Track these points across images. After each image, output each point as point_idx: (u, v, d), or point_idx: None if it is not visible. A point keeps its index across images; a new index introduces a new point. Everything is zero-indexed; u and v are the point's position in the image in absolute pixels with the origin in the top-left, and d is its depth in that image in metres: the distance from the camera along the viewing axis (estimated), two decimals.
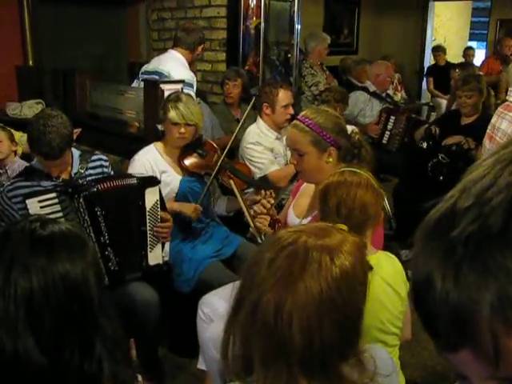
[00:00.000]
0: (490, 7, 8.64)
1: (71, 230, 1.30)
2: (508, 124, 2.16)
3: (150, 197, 2.86)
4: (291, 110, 3.93)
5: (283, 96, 3.96)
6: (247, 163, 3.89)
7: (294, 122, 2.42)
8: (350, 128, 2.44)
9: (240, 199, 2.55)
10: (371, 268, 1.73)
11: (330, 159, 2.33)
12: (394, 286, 1.88)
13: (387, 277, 1.87)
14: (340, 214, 1.78)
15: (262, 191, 3.31)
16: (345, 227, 1.71)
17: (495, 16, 8.51)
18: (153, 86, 3.77)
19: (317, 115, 2.35)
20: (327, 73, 6.57)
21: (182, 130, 3.21)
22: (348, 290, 1.16)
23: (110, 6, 6.28)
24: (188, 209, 3.22)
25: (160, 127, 3.34)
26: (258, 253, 1.19)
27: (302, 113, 2.44)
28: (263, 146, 3.93)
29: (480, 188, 0.52)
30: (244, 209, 2.54)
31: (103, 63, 6.22)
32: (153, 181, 2.91)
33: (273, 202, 2.56)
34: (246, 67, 5.66)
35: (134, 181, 2.82)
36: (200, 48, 4.42)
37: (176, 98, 3.27)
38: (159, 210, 2.91)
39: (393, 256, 2.02)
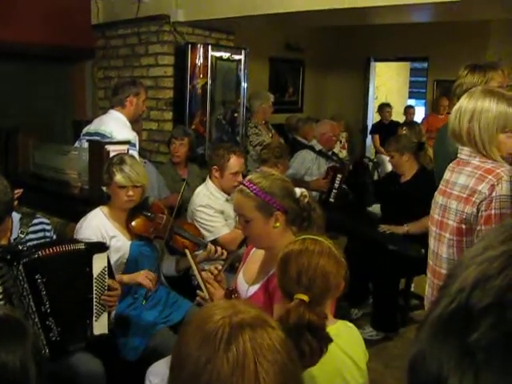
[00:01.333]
0: (427, 68, 8.98)
1: (9, 315, 1.19)
2: (467, 178, 2.27)
3: (98, 263, 2.74)
4: (240, 178, 3.85)
5: (234, 163, 3.92)
6: (197, 225, 3.83)
7: (240, 187, 2.37)
8: (298, 191, 2.41)
9: (196, 270, 2.49)
10: (331, 340, 1.69)
11: (277, 224, 2.28)
12: (353, 357, 1.83)
13: (347, 348, 1.82)
14: (301, 284, 1.73)
15: (210, 247, 3.26)
16: (305, 297, 1.68)
17: (432, 76, 8.84)
18: (98, 147, 3.70)
19: (262, 180, 2.32)
20: (273, 131, 6.65)
21: (130, 192, 3.15)
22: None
23: (57, 62, 6.22)
24: (141, 277, 3.10)
25: (105, 189, 3.25)
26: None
27: (248, 177, 2.40)
28: (214, 208, 3.88)
29: (498, 287, 0.50)
30: (199, 279, 2.48)
31: (48, 120, 6.12)
32: (101, 247, 2.80)
33: (220, 268, 2.49)
34: (193, 126, 5.66)
35: (82, 246, 2.70)
36: (134, 100, 4.18)
37: (120, 160, 3.21)
38: (107, 277, 2.78)
39: (351, 325, 1.98)
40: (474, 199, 2.20)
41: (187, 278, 3.72)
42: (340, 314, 2.09)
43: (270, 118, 6.87)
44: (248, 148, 6.14)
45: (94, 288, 2.74)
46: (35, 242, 2.83)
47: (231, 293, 2.35)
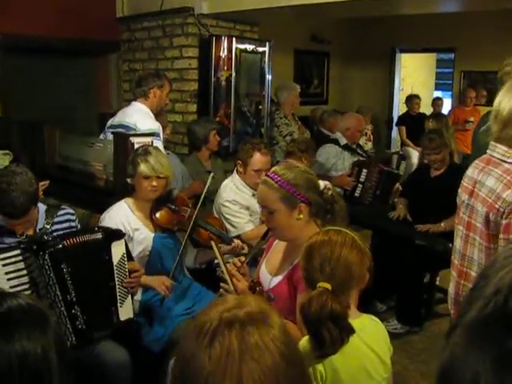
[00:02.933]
0: (454, 59, 8.87)
1: (31, 304, 1.20)
2: (495, 181, 2.09)
3: (117, 250, 2.79)
4: (263, 176, 3.88)
5: (257, 159, 3.92)
6: (222, 219, 3.87)
7: (264, 178, 2.38)
8: (322, 183, 2.40)
9: (221, 262, 2.50)
10: (353, 330, 1.68)
11: (301, 216, 2.28)
12: (377, 351, 1.82)
13: (371, 342, 1.82)
14: (323, 272, 1.75)
15: (237, 243, 3.26)
16: (328, 285, 1.68)
17: (459, 67, 8.73)
18: (122, 139, 3.72)
19: (286, 171, 2.32)
20: (299, 123, 6.63)
21: (154, 183, 3.19)
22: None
23: (81, 56, 6.28)
24: (156, 283, 3.12)
25: (130, 181, 3.28)
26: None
27: (272, 169, 2.40)
28: (240, 204, 3.90)
29: None
30: (224, 271, 2.49)
31: (74, 113, 6.18)
32: (118, 234, 2.85)
33: (243, 259, 2.49)
34: (217, 118, 5.67)
35: (99, 235, 2.75)
36: (158, 92, 4.24)
37: (144, 151, 3.26)
38: (126, 262, 2.84)
39: (376, 319, 1.97)
40: (497, 206, 2.04)
41: (211, 269, 3.74)
42: (365, 308, 2.08)
43: (297, 109, 6.85)
44: (277, 138, 6.14)
45: (116, 275, 2.79)
46: (60, 233, 2.87)
47: (256, 285, 2.36)
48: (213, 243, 2.67)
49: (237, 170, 4.02)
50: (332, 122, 6.85)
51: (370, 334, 1.84)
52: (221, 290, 2.42)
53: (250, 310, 1.06)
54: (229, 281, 2.38)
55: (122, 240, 2.83)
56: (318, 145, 5.62)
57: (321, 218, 2.33)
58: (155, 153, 3.26)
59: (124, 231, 3.02)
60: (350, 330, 1.68)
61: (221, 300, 1.12)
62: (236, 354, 0.97)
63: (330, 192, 2.35)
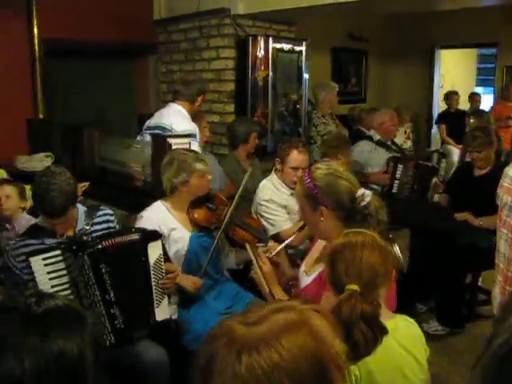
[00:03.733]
0: (496, 54, 8.69)
1: (68, 305, 1.23)
2: None
3: (153, 251, 2.81)
4: (299, 174, 3.87)
5: (294, 157, 3.94)
6: (260, 219, 3.90)
7: (300, 178, 2.47)
8: (360, 191, 2.34)
9: (256, 264, 2.52)
10: (386, 330, 1.67)
11: (322, 218, 2.30)
12: (413, 352, 1.81)
13: (406, 343, 1.80)
14: (349, 276, 1.75)
15: (273, 245, 3.25)
16: (356, 287, 1.67)
17: (501, 62, 8.55)
18: (161, 140, 3.76)
19: (317, 171, 2.35)
20: (337, 122, 6.59)
21: (209, 176, 3.35)
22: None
23: (120, 58, 6.37)
24: (188, 282, 3.17)
25: (177, 182, 3.27)
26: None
27: (313, 165, 2.45)
28: (277, 203, 3.92)
29: None
30: (259, 274, 2.52)
31: (112, 115, 6.27)
32: (154, 235, 2.87)
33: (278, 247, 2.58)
34: (255, 118, 5.67)
35: (136, 236, 2.78)
36: (200, 98, 4.40)
37: (190, 152, 3.39)
38: (163, 263, 2.86)
39: (411, 320, 1.95)
40: None
41: (249, 270, 3.75)
42: (404, 309, 2.06)
43: (335, 108, 6.81)
44: (315, 138, 6.13)
45: (153, 276, 2.81)
46: (100, 233, 2.91)
47: (291, 287, 2.38)
48: (247, 245, 2.68)
49: (275, 169, 4.03)
50: (370, 120, 6.76)
51: (404, 335, 1.83)
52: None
53: (267, 331, 0.99)
54: (263, 283, 2.40)
55: (159, 241, 2.85)
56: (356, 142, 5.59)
57: (353, 226, 2.30)
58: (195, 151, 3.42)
59: (160, 231, 3.05)
60: (383, 330, 1.67)
61: (251, 308, 1.08)
62: (230, 376, 0.95)
63: (364, 202, 2.30)
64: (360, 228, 1.99)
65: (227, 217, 3.32)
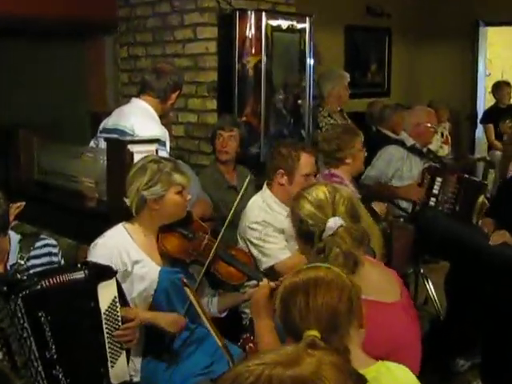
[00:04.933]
0: None
1: None
2: None
3: (105, 294, 2.80)
4: (312, 181, 3.91)
5: (306, 162, 3.99)
6: (250, 247, 3.91)
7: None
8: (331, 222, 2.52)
9: (202, 315, 2.61)
10: (364, 381, 1.72)
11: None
12: None
13: None
14: (305, 321, 1.89)
15: (264, 281, 3.26)
16: (315, 332, 1.77)
17: None
18: (118, 147, 3.77)
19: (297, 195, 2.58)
20: (349, 122, 6.60)
21: (189, 195, 3.39)
22: None
23: (68, 39, 6.39)
24: (165, 320, 3.18)
25: (148, 196, 3.27)
26: None
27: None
28: (272, 226, 3.93)
29: None
30: (208, 327, 2.62)
31: (58, 113, 6.26)
32: (107, 272, 2.86)
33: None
34: (244, 118, 5.70)
35: (81, 275, 2.76)
36: (174, 95, 4.42)
37: (167, 159, 3.43)
38: (118, 308, 2.85)
39: (401, 367, 2.07)
40: None
41: (236, 315, 3.74)
42: (440, 366, 2.11)
43: (346, 104, 6.84)
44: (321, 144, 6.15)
45: (105, 326, 2.80)
46: (38, 270, 2.90)
47: (245, 341, 2.55)
48: (186, 289, 2.76)
49: (270, 184, 4.05)
50: (395, 120, 6.83)
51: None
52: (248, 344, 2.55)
53: (298, 374, 1.16)
54: (214, 335, 2.64)
55: (113, 280, 2.83)
56: (377, 150, 5.61)
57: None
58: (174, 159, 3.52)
59: (121, 264, 3.07)
60: (360, 381, 1.72)
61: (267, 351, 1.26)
62: None
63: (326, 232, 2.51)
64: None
65: (213, 250, 3.36)
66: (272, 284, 2.90)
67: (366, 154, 4.91)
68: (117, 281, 2.88)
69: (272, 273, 3.70)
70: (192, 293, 2.83)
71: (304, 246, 2.64)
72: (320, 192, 2.61)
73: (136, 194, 3.25)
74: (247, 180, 3.60)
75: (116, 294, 2.84)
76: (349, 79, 6.74)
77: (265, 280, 3.22)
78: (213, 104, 5.85)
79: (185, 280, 2.98)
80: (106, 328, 2.81)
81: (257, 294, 2.72)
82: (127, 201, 3.31)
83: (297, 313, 1.91)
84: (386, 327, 2.42)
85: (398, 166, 5.46)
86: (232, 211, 3.48)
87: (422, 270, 5.37)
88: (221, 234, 3.41)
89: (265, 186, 4.12)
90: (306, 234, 2.56)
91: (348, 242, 2.47)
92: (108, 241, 3.27)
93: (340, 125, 5.90)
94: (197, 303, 2.75)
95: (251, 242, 3.94)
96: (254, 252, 3.90)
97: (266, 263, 3.87)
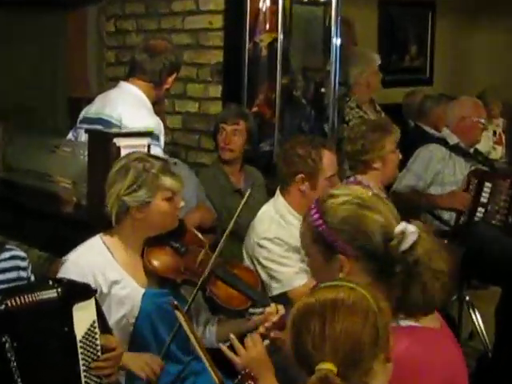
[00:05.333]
0: None
1: None
2: None
3: (82, 317, 2.79)
4: (337, 182, 3.93)
5: (329, 161, 4.00)
6: (258, 268, 3.91)
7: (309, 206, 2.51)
8: (400, 227, 2.37)
9: (192, 338, 2.61)
10: None
11: (341, 274, 2.34)
12: None
13: None
14: (320, 351, 1.85)
15: (272, 309, 3.26)
16: (331, 365, 1.78)
17: None
18: (102, 141, 3.78)
19: (329, 201, 2.41)
20: (382, 115, 6.60)
21: (182, 202, 3.38)
22: None
23: (42, 10, 6.39)
24: (138, 364, 3.13)
25: (131, 203, 3.28)
26: None
27: (323, 194, 2.52)
28: (286, 244, 3.91)
29: None
30: (204, 360, 2.62)
31: (29, 99, 6.27)
32: (84, 291, 2.86)
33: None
34: (254, 108, 5.72)
35: (54, 293, 2.77)
36: (171, 79, 4.44)
37: (156, 159, 3.40)
38: (98, 335, 2.85)
39: None
40: None
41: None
42: None
43: (378, 93, 6.85)
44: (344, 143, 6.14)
45: (81, 356, 2.79)
46: (3, 287, 2.92)
47: (244, 378, 2.51)
48: (177, 313, 2.75)
49: (286, 191, 4.05)
50: (438, 115, 6.80)
51: None
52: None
53: None
54: (211, 373, 2.61)
55: (91, 301, 2.84)
56: (415, 149, 5.60)
57: (385, 284, 2.33)
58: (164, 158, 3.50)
59: (95, 285, 3.06)
60: None
61: None
62: None
63: (406, 243, 2.34)
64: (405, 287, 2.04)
65: (209, 267, 3.33)
66: (281, 309, 2.91)
67: (400, 157, 4.81)
68: (96, 302, 2.88)
69: (284, 300, 3.67)
70: (184, 318, 2.82)
71: (373, 277, 2.38)
72: (360, 191, 2.50)
73: (116, 199, 3.24)
74: (250, 189, 3.61)
75: (95, 318, 2.84)
76: (379, 62, 6.72)
77: (272, 306, 3.24)
78: (217, 91, 5.86)
79: (176, 302, 2.95)
80: (83, 359, 2.80)
81: (253, 351, 2.69)
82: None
83: (310, 340, 1.87)
84: (444, 352, 2.35)
85: (439, 169, 5.46)
86: (234, 219, 3.47)
87: (467, 297, 5.35)
88: (219, 247, 3.40)
89: (278, 192, 4.12)
90: (382, 257, 2.34)
91: (432, 250, 2.37)
92: (80, 257, 3.28)
93: (368, 120, 5.86)
94: (190, 330, 2.75)
95: (259, 263, 3.94)
96: (263, 275, 3.90)
97: (276, 289, 3.87)
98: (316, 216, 2.39)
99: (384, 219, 2.36)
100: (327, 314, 1.88)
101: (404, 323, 2.31)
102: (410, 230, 2.32)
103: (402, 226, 2.34)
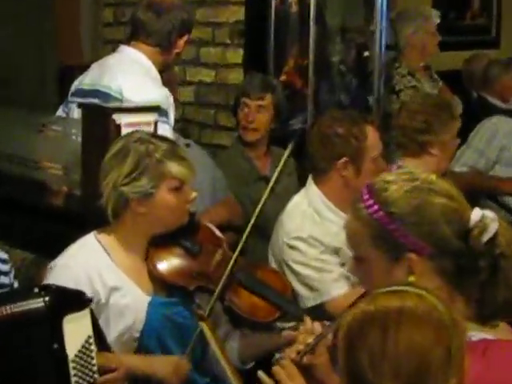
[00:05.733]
0: None
1: None
2: None
3: (75, 332, 2.79)
4: (383, 166, 3.93)
5: (374, 139, 3.98)
6: (288, 275, 3.87)
7: (354, 198, 2.43)
8: (476, 214, 2.33)
9: (220, 356, 2.58)
10: None
11: (411, 277, 2.30)
12: None
13: None
14: (378, 371, 1.80)
15: (308, 324, 3.24)
16: None
17: None
18: (99, 118, 3.78)
19: (390, 188, 2.34)
20: (440, 84, 6.59)
21: (194, 193, 3.33)
22: None
23: None
24: (163, 367, 3.16)
25: (131, 194, 3.27)
26: None
27: (374, 180, 2.44)
28: (323, 244, 3.88)
29: None
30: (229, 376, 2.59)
31: (10, 68, 6.28)
32: (77, 300, 2.87)
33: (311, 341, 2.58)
34: (283, 77, 5.71)
35: (40, 303, 2.77)
36: (182, 42, 4.43)
37: (162, 140, 3.36)
38: (94, 353, 2.86)
39: None
40: None
41: (268, 365, 3.77)
42: None
43: (435, 59, 6.83)
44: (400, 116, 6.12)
45: (74, 379, 2.79)
46: None
47: None
48: (202, 324, 2.72)
49: (322, 179, 4.03)
50: (506, 83, 6.79)
51: None
52: None
53: None
54: None
55: (86, 312, 2.85)
56: (478, 122, 5.60)
57: (464, 286, 2.28)
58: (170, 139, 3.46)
59: (92, 292, 3.07)
60: None
61: None
62: None
63: (487, 234, 2.30)
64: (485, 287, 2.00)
65: (228, 270, 3.32)
66: (317, 328, 2.86)
67: (458, 142, 4.78)
68: (92, 313, 2.88)
69: (320, 311, 3.68)
70: (211, 331, 2.79)
71: (448, 278, 2.31)
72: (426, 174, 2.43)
73: (113, 190, 3.20)
74: (287, 152, 3.58)
75: (90, 333, 2.84)
76: (438, 19, 6.69)
77: (307, 321, 3.21)
78: (237, 56, 5.87)
79: (201, 311, 2.94)
80: (76, 382, 2.82)
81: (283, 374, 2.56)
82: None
83: (366, 357, 1.81)
84: None
85: (504, 145, 5.44)
86: (257, 211, 3.47)
87: None
88: (240, 245, 3.40)
89: (310, 181, 4.08)
90: (460, 252, 2.27)
91: None
92: (72, 259, 3.26)
93: (433, 95, 5.81)
94: (217, 346, 2.70)
95: (289, 267, 3.90)
96: (294, 283, 3.84)
97: (310, 300, 3.83)
98: (375, 207, 2.31)
99: (459, 206, 2.32)
100: (389, 327, 1.82)
101: (476, 336, 2.20)
102: (489, 217, 2.27)
103: (478, 212, 2.28)
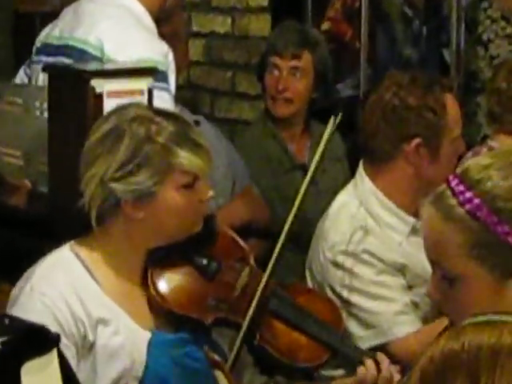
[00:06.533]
0: None
1: None
2: None
3: (36, 382, 2.82)
4: (463, 147, 3.89)
5: (455, 113, 3.94)
6: (334, 297, 3.88)
7: (439, 191, 2.41)
8: None
9: None
10: None
11: None
12: None
13: None
14: None
15: (369, 366, 3.25)
16: None
17: None
18: (72, 83, 3.78)
19: (492, 175, 2.31)
20: None
21: (211, 192, 3.34)
22: None
23: None
24: None
25: (124, 193, 3.27)
26: None
27: (462, 167, 2.43)
28: (382, 262, 3.87)
29: None
30: None
31: None
32: (41, 338, 2.88)
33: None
34: (325, 25, 5.73)
35: None
36: None
37: (165, 116, 3.34)
38: None
39: None
40: None
41: None
42: None
43: None
44: (487, 76, 6.10)
45: None
46: None
47: None
48: (220, 375, 2.72)
49: (369, 168, 4.01)
50: None
51: None
52: None
53: None
54: None
55: (52, 355, 2.85)
56: None
57: None
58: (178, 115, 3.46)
59: (74, 328, 3.07)
60: None
61: None
62: None
63: None
64: None
65: (257, 296, 3.32)
66: (385, 373, 2.85)
67: None
68: (61, 357, 2.89)
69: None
70: (230, 381, 2.80)
71: (488, 288, 2.33)
72: None
73: (99, 186, 3.18)
74: (329, 127, 3.55)
75: None
76: None
77: (369, 364, 3.20)
78: None
79: (216, 356, 2.94)
80: None
81: None
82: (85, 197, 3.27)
83: None
84: None
85: None
86: (294, 211, 3.46)
87: None
88: (272, 261, 3.39)
89: (361, 172, 4.07)
90: None
91: None
92: (44, 283, 3.23)
93: None
94: None
95: (335, 293, 3.91)
96: (345, 314, 3.81)
97: (365, 340, 3.84)
98: (475, 202, 2.30)
99: None
100: (482, 369, 1.79)
101: None
102: None
103: None
